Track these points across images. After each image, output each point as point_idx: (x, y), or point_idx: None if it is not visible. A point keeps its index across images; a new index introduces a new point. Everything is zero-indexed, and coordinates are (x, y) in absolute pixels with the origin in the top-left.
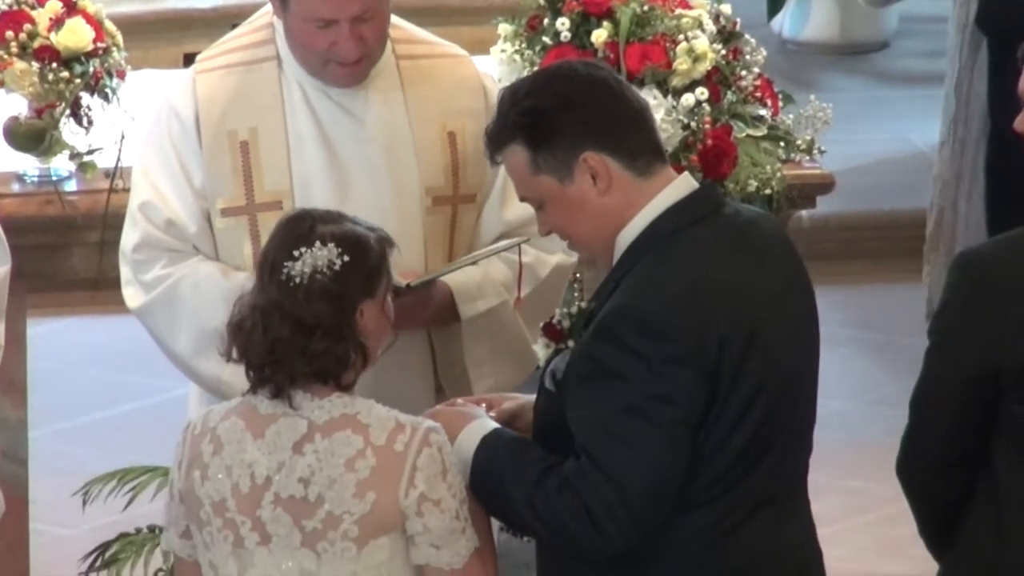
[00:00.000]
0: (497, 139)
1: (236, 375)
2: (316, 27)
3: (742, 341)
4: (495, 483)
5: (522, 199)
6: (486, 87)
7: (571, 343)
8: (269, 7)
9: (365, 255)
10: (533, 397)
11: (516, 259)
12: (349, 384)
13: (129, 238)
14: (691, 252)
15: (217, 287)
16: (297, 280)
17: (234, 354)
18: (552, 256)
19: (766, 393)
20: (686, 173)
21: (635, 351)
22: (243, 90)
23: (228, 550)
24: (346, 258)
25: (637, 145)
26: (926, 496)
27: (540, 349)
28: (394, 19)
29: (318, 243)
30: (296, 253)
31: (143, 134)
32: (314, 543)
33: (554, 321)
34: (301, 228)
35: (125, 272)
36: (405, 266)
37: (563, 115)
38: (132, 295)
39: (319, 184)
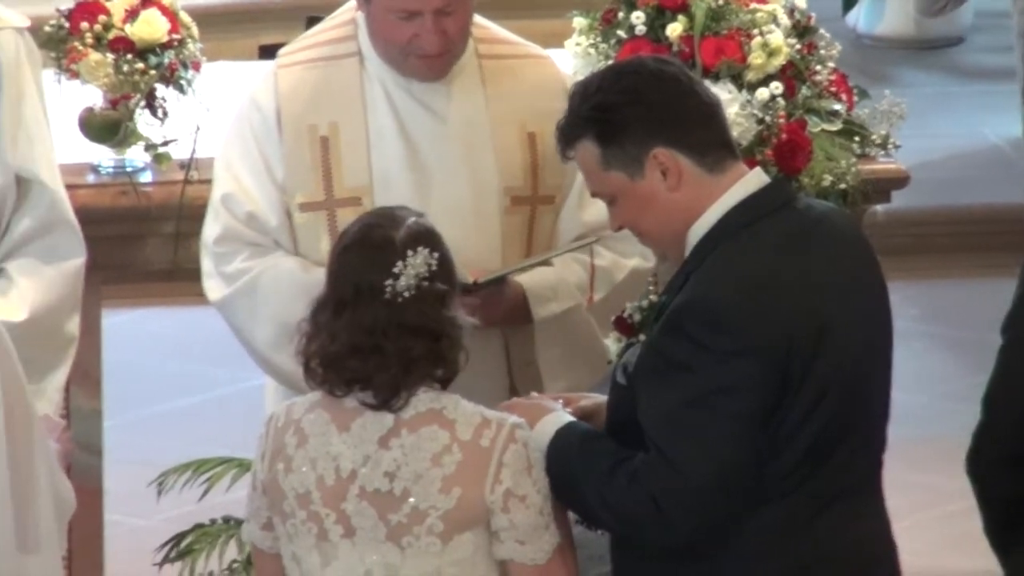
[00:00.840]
0: (568, 135)
1: None
2: (399, 19)
3: (811, 336)
4: (568, 475)
5: (593, 194)
6: (568, 89)
7: (642, 337)
8: (352, 2)
9: (441, 243)
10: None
11: (589, 260)
12: (447, 380)
13: (211, 230)
14: (760, 246)
15: (297, 282)
16: (406, 294)
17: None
18: (629, 260)
19: (836, 388)
20: (758, 168)
21: (702, 344)
22: (324, 85)
23: (312, 542)
24: (436, 254)
25: (707, 140)
26: (994, 492)
27: (612, 343)
28: (477, 18)
29: (408, 251)
30: (395, 270)
31: (226, 126)
32: (399, 537)
33: (625, 315)
34: (374, 243)
35: (206, 264)
36: (480, 265)
37: (632, 111)
38: (213, 287)
39: (398, 181)
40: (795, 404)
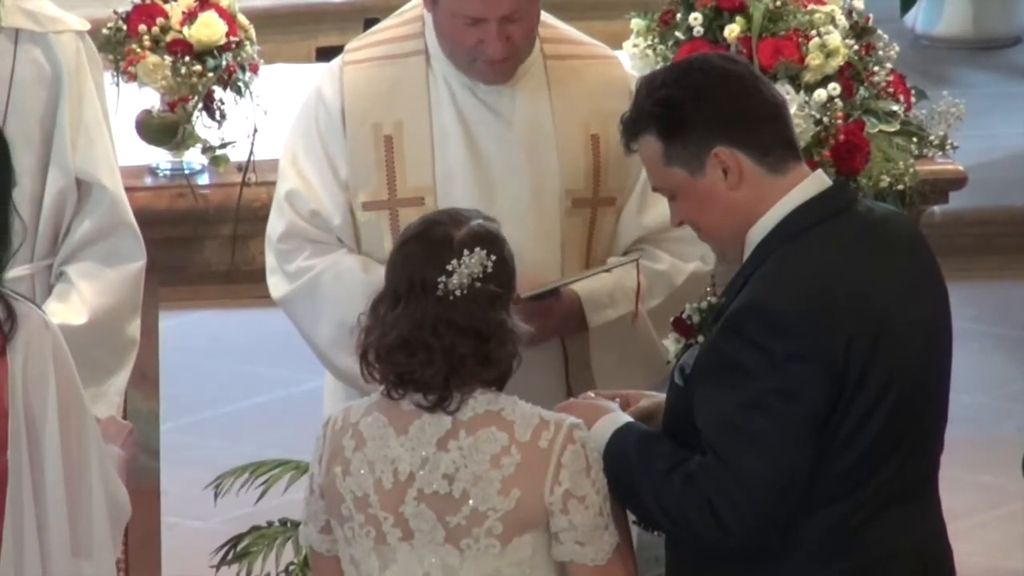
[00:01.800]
0: (632, 128)
1: None
2: (464, 24)
3: (869, 339)
4: (625, 476)
5: (655, 189)
6: (632, 91)
7: (700, 338)
8: (418, 1)
9: (503, 247)
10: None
11: (654, 267)
12: (502, 382)
13: (275, 227)
14: (820, 250)
15: (357, 281)
16: (458, 292)
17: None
18: (689, 264)
19: (893, 391)
20: (819, 171)
21: (760, 346)
22: (389, 83)
23: (370, 546)
24: (493, 257)
25: (769, 141)
26: None
27: (671, 344)
28: (545, 16)
29: (465, 251)
30: (449, 268)
31: (292, 120)
32: (458, 539)
33: (684, 316)
34: (434, 240)
35: (270, 260)
36: (540, 266)
37: (695, 108)
38: (276, 284)
39: (461, 181)
40: (851, 408)
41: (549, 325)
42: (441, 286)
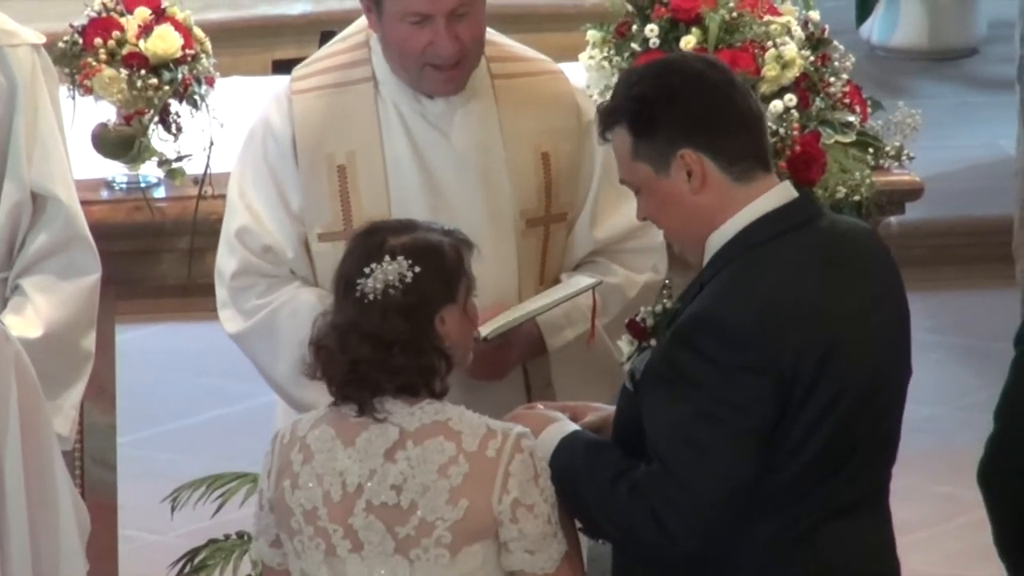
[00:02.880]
0: (606, 118)
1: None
2: (411, 24)
3: (818, 353)
4: (571, 485)
5: (622, 181)
6: (580, 105)
7: (653, 342)
8: (363, 22)
9: (439, 261)
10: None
11: (608, 281)
12: (444, 391)
13: (227, 264)
14: (776, 263)
15: (316, 314)
16: (371, 297)
17: (317, 373)
18: (641, 275)
19: (842, 405)
20: (787, 183)
21: (709, 357)
22: (340, 112)
23: (320, 558)
24: (417, 269)
25: (738, 150)
26: (1007, 502)
27: (624, 346)
28: (490, 33)
29: (387, 257)
30: (367, 270)
31: (239, 151)
32: (407, 550)
33: (638, 319)
34: (371, 243)
35: (222, 295)
36: (499, 289)
37: (666, 108)
38: (229, 318)
39: (415, 208)
40: (798, 419)
41: (511, 357)
42: (359, 287)
